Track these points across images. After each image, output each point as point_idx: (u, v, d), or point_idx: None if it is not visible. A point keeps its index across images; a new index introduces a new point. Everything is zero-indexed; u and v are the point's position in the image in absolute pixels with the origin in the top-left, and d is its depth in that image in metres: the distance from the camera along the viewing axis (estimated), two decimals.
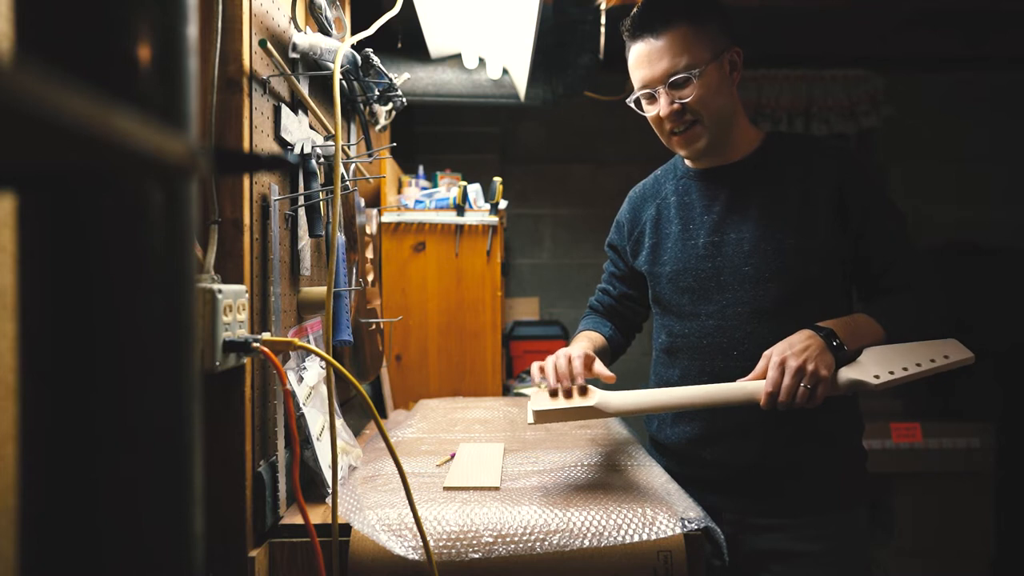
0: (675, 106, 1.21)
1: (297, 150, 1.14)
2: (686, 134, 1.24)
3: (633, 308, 1.48)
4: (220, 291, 0.85)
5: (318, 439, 1.09)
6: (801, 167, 1.25)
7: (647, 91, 1.24)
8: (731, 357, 1.24)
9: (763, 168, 1.28)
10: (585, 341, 1.35)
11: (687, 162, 1.37)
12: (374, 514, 0.98)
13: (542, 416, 1.11)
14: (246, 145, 0.96)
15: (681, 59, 1.19)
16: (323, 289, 1.17)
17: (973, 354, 1.10)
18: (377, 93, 1.37)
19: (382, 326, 1.81)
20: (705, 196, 1.31)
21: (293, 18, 1.14)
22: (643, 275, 1.40)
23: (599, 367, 1.18)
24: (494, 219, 2.29)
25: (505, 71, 2.54)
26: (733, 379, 1.14)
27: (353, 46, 1.26)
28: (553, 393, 1.13)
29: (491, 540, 0.93)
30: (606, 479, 1.16)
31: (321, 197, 1.17)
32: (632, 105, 1.29)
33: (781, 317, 1.20)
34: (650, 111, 1.26)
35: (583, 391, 1.13)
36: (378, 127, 1.65)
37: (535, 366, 1.21)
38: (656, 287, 1.36)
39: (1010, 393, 2.93)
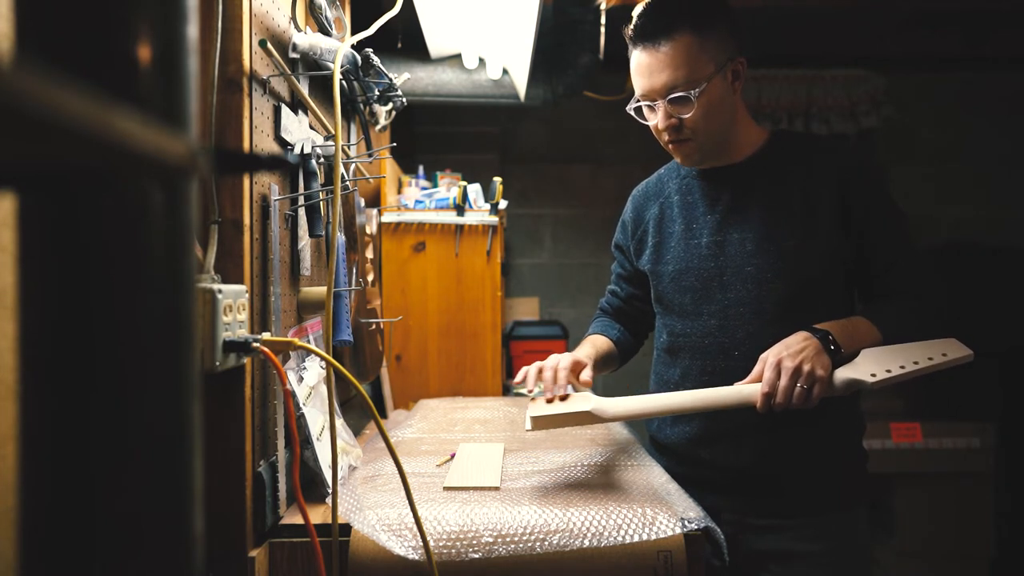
0: (672, 121, 1.21)
1: (297, 150, 1.14)
2: (680, 145, 1.25)
3: (642, 309, 1.47)
4: (220, 291, 0.85)
5: (318, 439, 1.09)
6: (804, 166, 1.25)
7: (646, 101, 1.24)
8: (732, 357, 1.24)
9: (766, 168, 1.27)
10: (588, 347, 1.35)
11: None
12: (374, 514, 0.98)
13: (539, 422, 1.12)
14: (246, 145, 0.96)
15: (681, 73, 1.17)
16: (323, 289, 1.17)
17: (971, 352, 1.10)
18: (377, 93, 1.37)
19: (382, 326, 1.81)
20: (708, 195, 1.31)
21: (293, 18, 1.14)
22: (647, 274, 1.40)
23: (584, 375, 1.21)
24: (494, 219, 2.28)
25: (505, 71, 2.54)
26: (734, 379, 1.15)
27: (353, 46, 1.26)
28: (548, 400, 1.14)
29: (491, 540, 0.93)
30: (606, 479, 1.16)
31: (321, 197, 1.17)
32: (632, 113, 1.28)
33: (783, 317, 1.20)
34: (649, 120, 1.26)
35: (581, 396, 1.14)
36: (378, 127, 1.65)
37: (522, 372, 1.22)
38: (658, 286, 1.36)
39: (1010, 393, 2.93)
